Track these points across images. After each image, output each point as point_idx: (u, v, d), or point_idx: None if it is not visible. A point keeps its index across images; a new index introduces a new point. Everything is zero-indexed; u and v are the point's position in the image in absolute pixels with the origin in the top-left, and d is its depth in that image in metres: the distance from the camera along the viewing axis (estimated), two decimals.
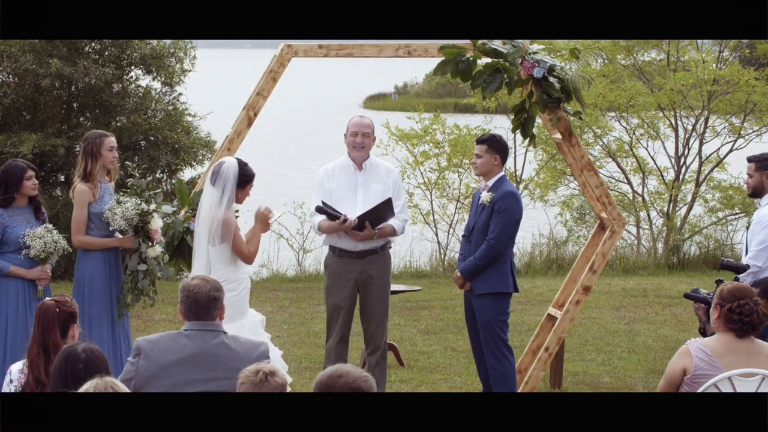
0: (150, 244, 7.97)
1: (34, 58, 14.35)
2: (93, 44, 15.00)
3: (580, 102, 8.68)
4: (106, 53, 14.95)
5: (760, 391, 5.64)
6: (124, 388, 4.61)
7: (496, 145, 8.23)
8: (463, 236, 8.56)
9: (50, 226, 8.06)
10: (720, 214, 17.41)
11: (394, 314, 11.71)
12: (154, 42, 15.25)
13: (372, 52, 8.62)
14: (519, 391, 8.44)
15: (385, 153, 16.34)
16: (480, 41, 8.29)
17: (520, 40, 8.36)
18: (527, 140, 8.84)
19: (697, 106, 16.94)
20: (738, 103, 16.71)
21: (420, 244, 16.92)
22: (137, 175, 14.67)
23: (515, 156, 16.95)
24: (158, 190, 8.24)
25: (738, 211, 17.17)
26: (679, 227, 16.80)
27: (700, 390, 5.69)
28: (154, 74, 15.41)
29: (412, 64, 17.45)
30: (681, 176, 17.18)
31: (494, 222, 8.09)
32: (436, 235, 16.91)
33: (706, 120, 17.11)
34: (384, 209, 8.20)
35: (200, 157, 15.38)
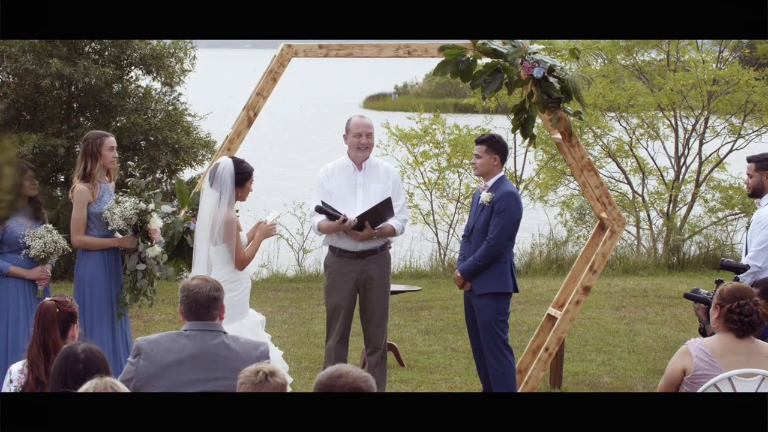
0: (149, 244, 7.97)
1: (34, 58, 14.35)
2: (93, 44, 15.00)
3: (580, 102, 8.68)
4: (106, 53, 14.95)
5: (760, 391, 5.64)
6: (124, 388, 4.61)
7: (495, 146, 8.23)
8: (463, 236, 8.56)
9: (50, 226, 8.06)
10: (720, 214, 17.41)
11: (394, 314, 11.71)
12: (154, 42, 15.25)
13: (372, 52, 8.62)
14: (519, 391, 8.44)
15: (385, 153, 16.34)
16: (480, 41, 8.29)
17: (520, 40, 8.36)
18: (527, 140, 8.84)
19: (697, 106, 16.93)
20: (738, 103, 16.70)
21: (420, 244, 16.92)
22: (137, 175, 14.67)
23: (515, 156, 16.95)
24: (158, 190, 8.24)
25: (738, 211, 17.17)
26: (679, 227, 16.80)
27: (700, 390, 5.69)
28: (154, 74, 15.41)
29: (412, 64, 17.43)
30: (681, 176, 17.18)
31: (494, 222, 8.09)
32: (436, 235, 16.91)
33: (706, 120, 17.10)
34: (383, 209, 8.20)
35: (200, 157, 15.38)
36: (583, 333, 11.26)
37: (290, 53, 8.47)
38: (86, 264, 8.07)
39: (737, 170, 15.81)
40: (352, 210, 8.22)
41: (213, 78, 54.65)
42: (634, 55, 17.41)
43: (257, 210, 13.59)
